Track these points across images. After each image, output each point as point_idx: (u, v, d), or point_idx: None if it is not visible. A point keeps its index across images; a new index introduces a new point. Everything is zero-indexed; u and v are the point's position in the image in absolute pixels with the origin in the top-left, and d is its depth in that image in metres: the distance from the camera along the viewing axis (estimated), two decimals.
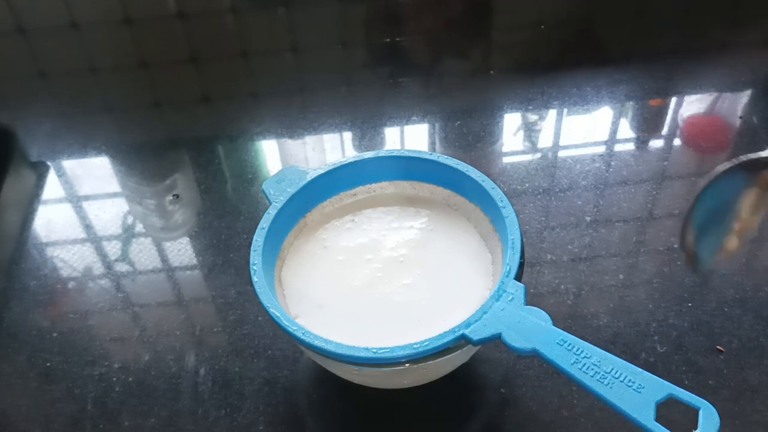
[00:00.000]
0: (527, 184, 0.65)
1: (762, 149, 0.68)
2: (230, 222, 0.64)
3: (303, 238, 0.51)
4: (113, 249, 0.63)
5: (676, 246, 0.59)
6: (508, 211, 0.45)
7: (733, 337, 0.51)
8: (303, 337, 0.41)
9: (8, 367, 0.54)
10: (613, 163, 0.67)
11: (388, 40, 0.86)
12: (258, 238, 0.47)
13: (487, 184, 0.48)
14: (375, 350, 0.39)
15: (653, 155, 0.68)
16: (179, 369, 0.53)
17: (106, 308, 0.58)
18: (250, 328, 0.55)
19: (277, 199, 0.49)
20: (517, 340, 0.38)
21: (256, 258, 0.45)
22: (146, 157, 0.73)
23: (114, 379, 0.52)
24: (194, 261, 0.61)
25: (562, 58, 0.79)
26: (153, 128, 0.79)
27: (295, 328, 0.41)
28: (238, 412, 0.50)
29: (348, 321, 0.45)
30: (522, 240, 0.43)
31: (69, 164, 0.72)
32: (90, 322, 0.57)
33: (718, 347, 0.51)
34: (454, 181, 0.51)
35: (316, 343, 0.40)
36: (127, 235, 0.64)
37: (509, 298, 0.40)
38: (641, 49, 0.82)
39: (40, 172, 0.71)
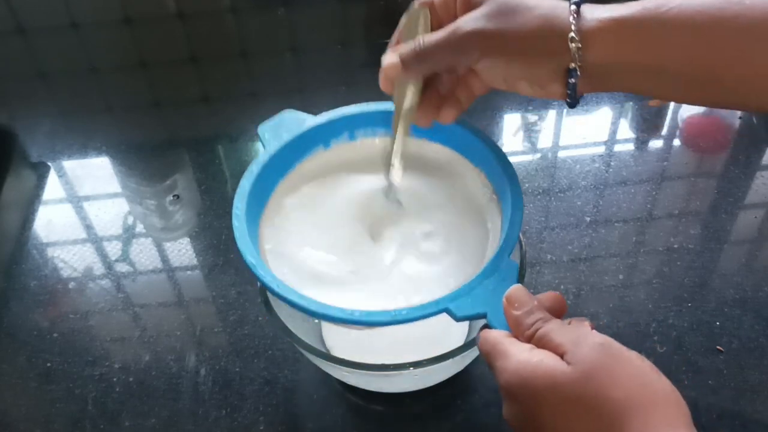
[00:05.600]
0: (527, 185, 0.65)
1: (761, 149, 0.69)
2: (230, 222, 0.64)
3: (294, 190, 0.47)
4: (114, 249, 0.63)
5: (676, 246, 0.59)
6: (513, 180, 0.42)
7: (733, 337, 0.51)
8: (277, 289, 0.38)
9: (8, 367, 0.54)
10: (612, 164, 0.67)
11: (388, 40, 0.86)
12: (245, 182, 0.43)
13: (495, 149, 0.44)
14: (351, 311, 0.37)
15: (653, 155, 0.68)
16: (180, 369, 0.53)
17: (106, 309, 0.58)
18: (250, 328, 0.55)
19: (271, 144, 0.45)
20: (504, 323, 0.36)
21: (239, 202, 0.42)
22: (146, 157, 0.73)
23: (114, 379, 0.52)
24: (194, 261, 0.61)
25: None
26: (153, 128, 0.79)
27: (269, 278, 0.38)
28: (239, 412, 0.50)
29: (332, 284, 0.42)
30: (522, 214, 0.41)
31: (69, 165, 0.72)
32: (90, 323, 0.57)
33: (718, 347, 0.51)
34: (461, 143, 0.47)
35: (290, 296, 0.37)
36: (128, 235, 0.64)
37: (501, 277, 0.38)
38: None
39: (40, 172, 0.71)
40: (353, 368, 0.41)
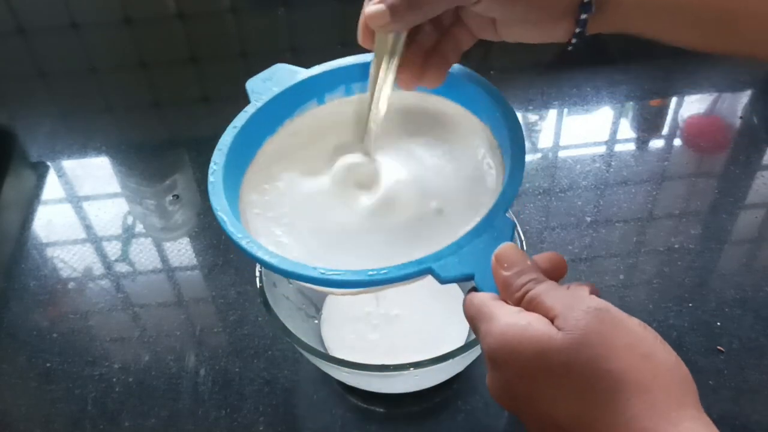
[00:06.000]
0: (527, 185, 0.65)
1: (761, 149, 0.68)
2: None
3: (283, 151, 0.43)
4: (113, 249, 0.63)
5: (676, 246, 0.59)
6: (517, 134, 0.38)
7: (733, 337, 0.51)
8: (247, 247, 0.35)
9: (8, 367, 0.54)
10: (613, 164, 0.67)
11: None
12: (226, 137, 0.40)
13: (501, 104, 0.40)
14: (324, 270, 0.34)
15: (653, 155, 0.68)
16: (179, 369, 0.53)
17: (106, 309, 0.58)
18: (250, 328, 0.55)
19: (259, 98, 0.41)
20: (493, 285, 0.32)
21: (218, 158, 0.39)
22: (146, 157, 0.73)
23: (114, 379, 0.52)
24: (194, 261, 0.61)
25: (562, 58, 0.79)
26: (153, 128, 0.79)
27: (240, 235, 0.36)
28: (238, 412, 0.50)
29: (315, 249, 0.38)
30: (522, 171, 0.37)
31: (69, 164, 0.72)
32: (90, 323, 0.57)
33: (719, 347, 0.51)
34: (467, 97, 0.42)
35: (260, 254, 0.35)
36: (127, 235, 0.64)
37: (494, 236, 0.33)
38: (641, 50, 0.82)
39: (40, 172, 0.71)
40: (353, 369, 0.41)
